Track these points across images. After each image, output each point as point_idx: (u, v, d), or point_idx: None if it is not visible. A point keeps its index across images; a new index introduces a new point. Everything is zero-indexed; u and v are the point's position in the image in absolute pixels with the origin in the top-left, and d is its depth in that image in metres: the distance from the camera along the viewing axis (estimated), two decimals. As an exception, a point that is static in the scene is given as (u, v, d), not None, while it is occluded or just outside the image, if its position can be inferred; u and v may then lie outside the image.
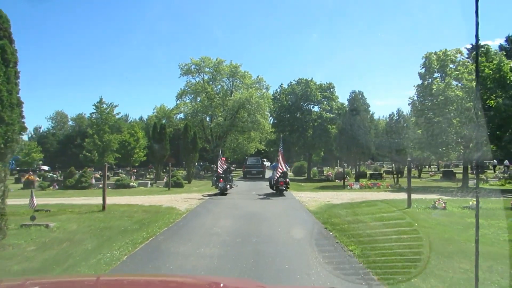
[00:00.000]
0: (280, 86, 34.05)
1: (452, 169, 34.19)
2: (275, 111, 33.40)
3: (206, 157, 49.03)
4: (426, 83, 21.08)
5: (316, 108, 32.93)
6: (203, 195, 17.82)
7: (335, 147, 27.73)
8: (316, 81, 33.24)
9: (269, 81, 59.61)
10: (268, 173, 25.07)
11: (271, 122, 38.44)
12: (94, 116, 45.29)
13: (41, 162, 63.92)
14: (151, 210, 12.25)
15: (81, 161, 43.04)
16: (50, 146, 72.94)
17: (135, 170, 57.93)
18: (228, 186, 18.18)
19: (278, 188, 17.00)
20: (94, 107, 45.02)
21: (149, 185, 24.54)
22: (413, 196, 13.03)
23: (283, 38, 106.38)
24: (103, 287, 2.07)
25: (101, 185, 24.53)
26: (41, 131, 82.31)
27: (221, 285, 1.98)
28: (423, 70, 21.35)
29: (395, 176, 24.36)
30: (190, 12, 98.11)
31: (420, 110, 20.52)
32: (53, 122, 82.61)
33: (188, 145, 29.36)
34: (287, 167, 19.72)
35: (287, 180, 17.52)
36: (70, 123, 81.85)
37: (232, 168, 23.82)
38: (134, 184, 24.25)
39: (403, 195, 14.66)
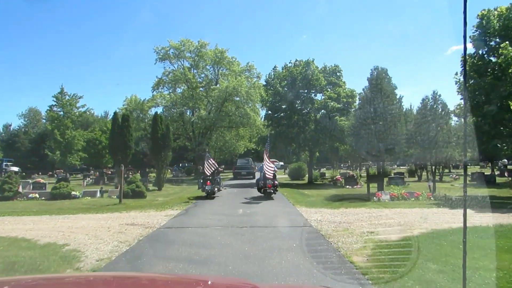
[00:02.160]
0: (273, 69, 27.75)
1: (483, 171, 28.39)
2: (268, 100, 27.02)
3: (186, 157, 42.42)
4: (480, 52, 15.04)
5: (319, 96, 26.75)
6: (166, 214, 11.43)
7: (349, 143, 21.48)
8: (318, 65, 27.01)
9: (260, 70, 51.48)
10: (257, 175, 22.28)
11: (263, 114, 32.09)
12: (54, 109, 38.56)
13: (10, 163, 57.55)
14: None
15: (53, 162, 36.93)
16: (21, 146, 66.81)
17: (110, 172, 51.66)
18: (216, 189, 16.78)
19: (266, 191, 15.93)
20: (54, 99, 38.26)
21: (98, 195, 17.97)
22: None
23: (276, 19, 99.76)
24: (89, 285, 2.03)
25: (32, 195, 18.07)
26: (11, 129, 75.42)
27: (209, 282, 1.94)
28: (476, 34, 15.31)
29: (430, 180, 18.30)
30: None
31: (477, 88, 14.43)
32: (26, 119, 75.41)
33: (158, 142, 22.83)
34: (275, 168, 17.67)
35: (276, 182, 16.37)
36: (44, 120, 74.82)
37: (221, 169, 20.82)
38: (77, 193, 17.65)
39: (489, 217, 8.72)
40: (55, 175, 44.11)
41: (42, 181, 23.28)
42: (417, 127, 18.11)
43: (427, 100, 18.54)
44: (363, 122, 18.13)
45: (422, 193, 15.86)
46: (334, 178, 24.19)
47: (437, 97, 18.63)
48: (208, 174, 16.55)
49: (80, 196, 17.61)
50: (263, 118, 31.38)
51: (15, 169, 54.59)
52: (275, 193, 16.17)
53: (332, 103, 24.65)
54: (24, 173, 52.41)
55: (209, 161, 17.20)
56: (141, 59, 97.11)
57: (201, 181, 16.87)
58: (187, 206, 13.42)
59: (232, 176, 34.61)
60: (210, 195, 15.95)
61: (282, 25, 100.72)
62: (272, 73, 27.29)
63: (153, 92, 37.80)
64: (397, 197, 15.46)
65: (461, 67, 15.84)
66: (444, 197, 15.66)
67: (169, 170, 52.75)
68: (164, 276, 3.30)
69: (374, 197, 15.55)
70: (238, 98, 36.58)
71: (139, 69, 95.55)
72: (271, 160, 17.40)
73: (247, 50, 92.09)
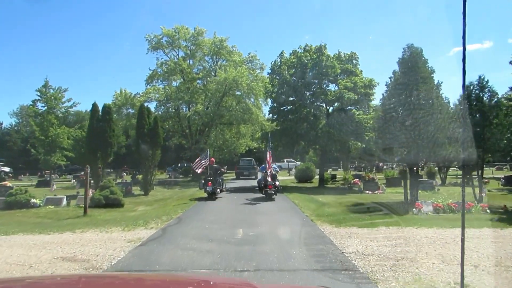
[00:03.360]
0: (280, 55, 24.05)
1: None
2: (273, 91, 23.46)
3: (182, 156, 38.94)
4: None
5: (332, 87, 23.21)
6: (132, 238, 7.92)
7: (373, 140, 17.92)
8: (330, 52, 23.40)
9: (264, 62, 45.79)
10: (259, 175, 21.66)
11: (267, 110, 28.58)
12: (38, 104, 35.15)
13: (1, 163, 54.67)
14: None
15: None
16: (13, 145, 64.11)
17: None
18: (218, 189, 16.39)
19: (267, 192, 15.49)
20: (38, 93, 34.82)
21: (64, 203, 14.46)
22: None
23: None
24: (91, 285, 1.99)
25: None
26: (2, 127, 72.43)
27: (211, 283, 1.97)
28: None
29: (480, 187, 14.80)
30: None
31: None
32: (17, 117, 72.25)
33: (144, 138, 19.35)
34: (277, 169, 18.36)
35: (277, 183, 16.20)
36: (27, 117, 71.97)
37: (223, 170, 19.97)
38: (38, 201, 14.15)
39: None
40: (44, 176, 40.80)
41: (8, 184, 19.81)
42: (458, 120, 14.53)
43: (471, 88, 15.02)
44: (392, 114, 14.58)
45: (475, 204, 12.32)
46: (351, 182, 20.61)
47: (484, 83, 15.12)
48: (210, 174, 16.14)
49: (42, 204, 14.14)
50: (267, 113, 27.88)
51: (6, 169, 51.46)
52: (276, 194, 15.72)
53: (348, 94, 21.09)
54: (11, 174, 49.42)
55: (203, 160, 16.53)
56: (135, 51, 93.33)
57: (203, 181, 16.29)
58: (168, 222, 9.92)
59: (235, 176, 34.28)
60: (211, 196, 15.53)
61: (287, 16, 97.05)
62: (279, 60, 23.70)
63: (147, 85, 34.27)
64: (443, 208, 11.95)
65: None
66: (505, 209, 12.18)
67: (163, 171, 49.60)
68: (165, 275, 3.39)
69: (413, 209, 12.02)
70: (239, 92, 33.13)
71: (133, 62, 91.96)
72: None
73: (249, 42, 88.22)
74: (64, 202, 14.39)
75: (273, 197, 15.36)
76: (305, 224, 9.50)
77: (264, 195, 15.67)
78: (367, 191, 19.46)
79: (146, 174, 19.59)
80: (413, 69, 14.20)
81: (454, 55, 63.51)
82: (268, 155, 16.69)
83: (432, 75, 15.06)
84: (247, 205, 13.74)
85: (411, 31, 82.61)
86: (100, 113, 19.68)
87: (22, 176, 47.67)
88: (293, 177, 33.76)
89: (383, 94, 15.60)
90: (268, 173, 15.84)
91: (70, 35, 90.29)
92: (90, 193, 14.57)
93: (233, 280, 3.03)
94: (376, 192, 19.37)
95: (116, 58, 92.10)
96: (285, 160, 49.59)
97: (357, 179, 20.50)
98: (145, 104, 34.63)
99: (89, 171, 12.01)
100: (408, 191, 14.40)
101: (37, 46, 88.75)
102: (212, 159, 18.17)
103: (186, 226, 9.39)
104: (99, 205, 13.63)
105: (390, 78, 15.25)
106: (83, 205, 14.09)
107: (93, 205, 13.78)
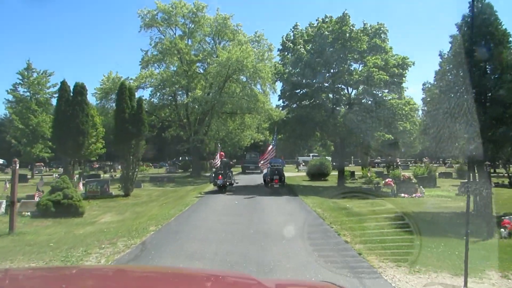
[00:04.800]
0: (293, 28, 19.75)
1: None
2: (284, 72, 19.34)
3: (180, 149, 35.06)
4: None
5: (357, 66, 19.06)
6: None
7: (422, 128, 13.80)
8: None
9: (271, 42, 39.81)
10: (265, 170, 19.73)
11: (277, 94, 24.53)
12: (19, 89, 31.36)
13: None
14: None
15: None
16: (6, 135, 60.80)
17: (96, 165, 45.04)
18: (227, 182, 16.43)
19: (273, 186, 15.53)
20: (19, 76, 31.04)
21: (1, 209, 10.56)
22: None
23: None
24: (95, 278, 1.97)
25: None
26: (-2, 116, 69.22)
27: (212, 277, 1.97)
28: None
29: None
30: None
31: None
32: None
33: (124, 125, 15.42)
34: (284, 162, 17.37)
35: (283, 177, 15.98)
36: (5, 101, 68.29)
37: (232, 163, 19.80)
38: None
39: None
40: (33, 169, 37.12)
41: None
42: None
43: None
44: (453, 92, 10.49)
45: None
46: (384, 183, 16.52)
47: None
48: (220, 168, 16.39)
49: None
50: (276, 101, 23.81)
51: (0, 161, 47.98)
52: (281, 189, 15.85)
53: (379, 74, 16.96)
54: (4, 167, 46.03)
55: (219, 154, 17.12)
56: (128, 31, 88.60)
57: (213, 175, 16.61)
58: (122, 255, 5.97)
59: (241, 170, 33.32)
60: (221, 189, 15.79)
61: None
62: (292, 34, 19.52)
63: (142, 70, 30.29)
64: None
65: None
66: None
67: (162, 166, 45.76)
68: (164, 268, 3.30)
69: (502, 229, 8.01)
70: (243, 77, 29.13)
71: (128, 44, 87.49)
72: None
73: (256, 21, 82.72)
74: (2, 207, 10.51)
75: (283, 196, 14.69)
76: (355, 267, 5.44)
77: (269, 188, 15.78)
78: (402, 194, 15.41)
79: (127, 170, 15.69)
80: (482, 30, 10.12)
81: None
82: (269, 148, 17.12)
83: (510, 38, 10.95)
84: (255, 224, 9.79)
85: None
86: (72, 94, 15.77)
87: (9, 168, 44.14)
88: (304, 174, 29.85)
89: (440, 66, 11.47)
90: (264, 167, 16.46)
91: (56, 14, 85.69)
92: (36, 197, 10.77)
93: (235, 274, 3.04)
94: (414, 195, 15.34)
95: (110, 39, 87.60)
96: (310, 154, 46.28)
97: (390, 179, 16.41)
98: (140, 91, 31.26)
99: (17, 166, 8.09)
100: (477, 198, 10.34)
101: (18, 26, 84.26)
102: (222, 152, 18.21)
103: (147, 262, 5.45)
104: (47, 214, 9.81)
105: (450, 43, 11.10)
106: (28, 213, 10.32)
107: (39, 214, 9.98)
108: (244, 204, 12.33)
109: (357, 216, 10.03)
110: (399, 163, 42.73)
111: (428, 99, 11.27)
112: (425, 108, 11.84)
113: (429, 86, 11.57)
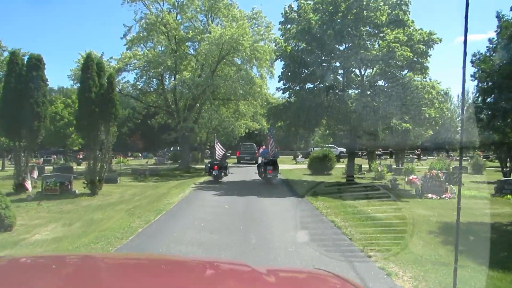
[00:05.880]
0: (297, -5, 16.69)
1: None
2: (286, 49, 16.32)
3: (166, 138, 32.02)
4: None
5: (372, 43, 16.11)
6: None
7: (471, 112, 10.98)
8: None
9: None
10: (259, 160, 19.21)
11: (276, 78, 21.52)
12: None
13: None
14: None
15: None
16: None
17: (81, 156, 42.08)
18: (222, 173, 16.68)
19: (267, 177, 15.51)
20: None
21: None
22: None
23: None
24: (92, 265, 1.88)
25: None
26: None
27: (207, 264, 1.92)
28: None
29: None
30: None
31: None
32: None
33: (90, 106, 12.42)
34: (278, 154, 18.58)
35: (277, 168, 15.96)
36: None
37: (228, 154, 20.10)
38: None
39: None
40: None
41: None
42: None
43: None
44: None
45: None
46: (407, 180, 13.69)
47: None
48: (218, 159, 17.10)
49: None
50: (274, 84, 20.80)
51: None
52: (275, 179, 15.83)
53: (401, 50, 14.05)
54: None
55: (218, 145, 17.68)
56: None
57: (209, 165, 16.94)
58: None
59: (236, 161, 33.20)
60: (216, 180, 16.01)
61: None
62: (296, 4, 16.46)
63: (127, 50, 26.99)
64: None
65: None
66: None
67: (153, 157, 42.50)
68: (159, 256, 3.26)
69: None
70: (238, 60, 26.14)
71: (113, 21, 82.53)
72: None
73: None
74: None
75: (286, 197, 12.89)
76: None
77: (264, 179, 16.01)
78: (429, 195, 12.67)
79: (93, 163, 12.72)
80: None
81: None
82: (268, 140, 17.40)
83: None
84: (252, 250, 6.96)
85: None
86: (23, 68, 12.67)
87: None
88: (302, 166, 27.07)
89: (496, 35, 8.60)
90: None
91: None
92: None
93: (229, 261, 3.05)
94: (444, 196, 12.62)
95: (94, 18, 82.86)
96: (313, 148, 43.66)
97: (415, 177, 13.60)
98: (124, 74, 28.09)
99: None
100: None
101: None
102: (218, 144, 18.39)
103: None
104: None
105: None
106: None
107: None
108: (237, 210, 9.45)
109: (392, 231, 7.18)
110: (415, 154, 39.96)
111: (486, 73, 8.40)
112: (478, 85, 8.91)
113: (481, 57, 8.72)
